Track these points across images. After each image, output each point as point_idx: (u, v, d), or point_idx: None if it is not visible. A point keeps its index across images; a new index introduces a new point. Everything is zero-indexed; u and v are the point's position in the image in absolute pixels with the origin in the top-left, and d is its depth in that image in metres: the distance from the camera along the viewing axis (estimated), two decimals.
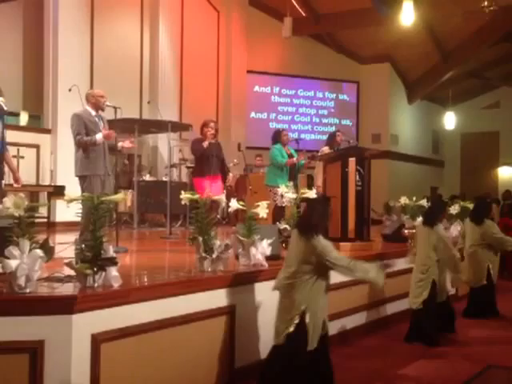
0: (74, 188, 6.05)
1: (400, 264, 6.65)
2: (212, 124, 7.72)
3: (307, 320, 3.89)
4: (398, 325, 6.23)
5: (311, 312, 3.91)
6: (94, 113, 6.10)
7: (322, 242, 3.96)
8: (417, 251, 5.90)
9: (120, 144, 6.44)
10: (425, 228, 5.87)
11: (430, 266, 5.69)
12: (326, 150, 8.32)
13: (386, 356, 5.30)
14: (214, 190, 6.53)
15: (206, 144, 7.49)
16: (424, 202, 8.18)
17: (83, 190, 5.87)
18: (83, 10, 11.55)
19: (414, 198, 8.24)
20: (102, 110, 6.18)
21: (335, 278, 5.25)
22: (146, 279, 4.30)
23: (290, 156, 8.39)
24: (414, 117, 19.23)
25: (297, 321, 3.90)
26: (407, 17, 12.33)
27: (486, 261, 6.89)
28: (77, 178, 6.08)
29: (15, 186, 5.91)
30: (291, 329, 3.91)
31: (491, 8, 12.48)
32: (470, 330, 6.12)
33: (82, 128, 5.96)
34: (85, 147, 5.95)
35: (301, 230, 4.10)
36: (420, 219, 7.33)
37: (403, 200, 8.29)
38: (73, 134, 6.03)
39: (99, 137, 5.92)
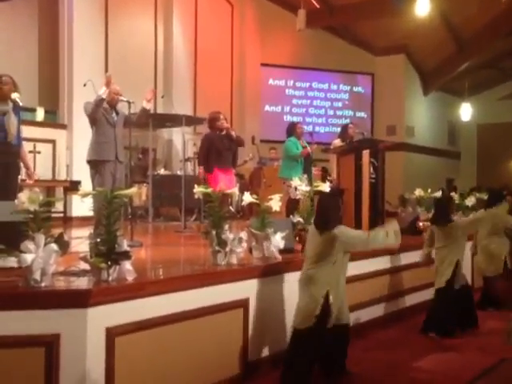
0: (90, 183, 6.11)
1: (406, 258, 6.65)
2: (221, 116, 7.80)
3: (331, 301, 4.18)
4: (415, 316, 6.23)
5: (333, 294, 4.20)
6: (107, 106, 6.16)
7: (341, 230, 4.28)
8: None
9: (144, 103, 6.40)
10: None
11: None
12: (337, 142, 8.30)
13: (400, 348, 5.29)
14: (226, 184, 6.56)
15: (233, 135, 7.77)
16: (439, 194, 8.13)
17: (93, 179, 5.94)
18: (98, 5, 11.61)
19: (429, 190, 8.20)
20: (115, 105, 6.23)
21: (353, 270, 5.29)
22: (160, 273, 4.34)
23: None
24: (429, 108, 19.08)
25: (322, 302, 4.16)
26: (422, 7, 12.20)
27: (501, 250, 6.83)
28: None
29: (28, 181, 5.97)
30: (317, 312, 4.15)
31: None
32: (485, 322, 6.09)
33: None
34: (96, 111, 5.97)
35: (317, 226, 4.38)
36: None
37: (418, 192, 8.25)
38: (86, 114, 6.10)
39: (102, 91, 5.94)
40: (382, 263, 6.14)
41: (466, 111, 19.36)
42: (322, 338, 4.22)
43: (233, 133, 7.81)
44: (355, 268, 5.36)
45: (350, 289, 4.68)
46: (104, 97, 5.96)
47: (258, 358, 4.44)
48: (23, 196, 3.30)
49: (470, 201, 8.71)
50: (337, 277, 4.27)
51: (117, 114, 6.24)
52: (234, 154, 7.93)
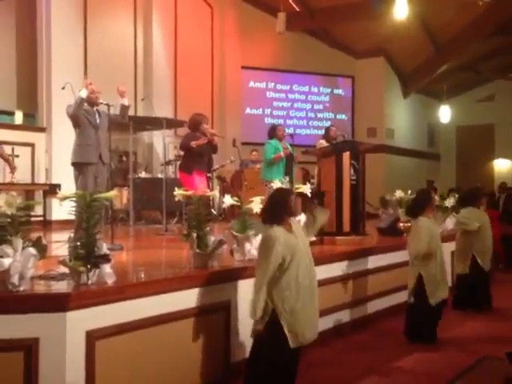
0: (69, 186, 6.05)
1: (387, 259, 6.68)
2: (208, 121, 7.79)
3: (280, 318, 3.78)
4: (384, 322, 6.24)
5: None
6: (88, 107, 6.16)
7: (270, 237, 3.80)
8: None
9: (121, 99, 6.42)
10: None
11: (414, 259, 5.55)
12: (323, 143, 8.37)
13: (379, 350, 5.30)
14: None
15: (215, 141, 7.62)
16: None
17: (76, 180, 5.95)
18: (76, 7, 11.51)
19: (409, 192, 8.25)
20: (96, 105, 6.24)
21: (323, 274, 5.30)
22: (140, 275, 4.31)
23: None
24: (409, 110, 19.23)
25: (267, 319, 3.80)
26: (401, 10, 12.28)
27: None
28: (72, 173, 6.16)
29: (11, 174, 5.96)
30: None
31: (485, 0, 12.50)
32: (464, 323, 6.14)
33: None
34: (77, 112, 6.01)
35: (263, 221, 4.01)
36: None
37: (398, 194, 8.31)
38: (68, 115, 6.12)
39: (83, 92, 6.01)
40: (356, 266, 6.13)
41: (444, 113, 19.54)
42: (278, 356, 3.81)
43: (216, 139, 7.72)
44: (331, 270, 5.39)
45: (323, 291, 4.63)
46: (84, 96, 5.99)
47: (240, 359, 4.42)
48: (0, 200, 3.27)
49: (450, 202, 8.78)
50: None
51: (99, 115, 6.24)
52: (209, 158, 7.95)
